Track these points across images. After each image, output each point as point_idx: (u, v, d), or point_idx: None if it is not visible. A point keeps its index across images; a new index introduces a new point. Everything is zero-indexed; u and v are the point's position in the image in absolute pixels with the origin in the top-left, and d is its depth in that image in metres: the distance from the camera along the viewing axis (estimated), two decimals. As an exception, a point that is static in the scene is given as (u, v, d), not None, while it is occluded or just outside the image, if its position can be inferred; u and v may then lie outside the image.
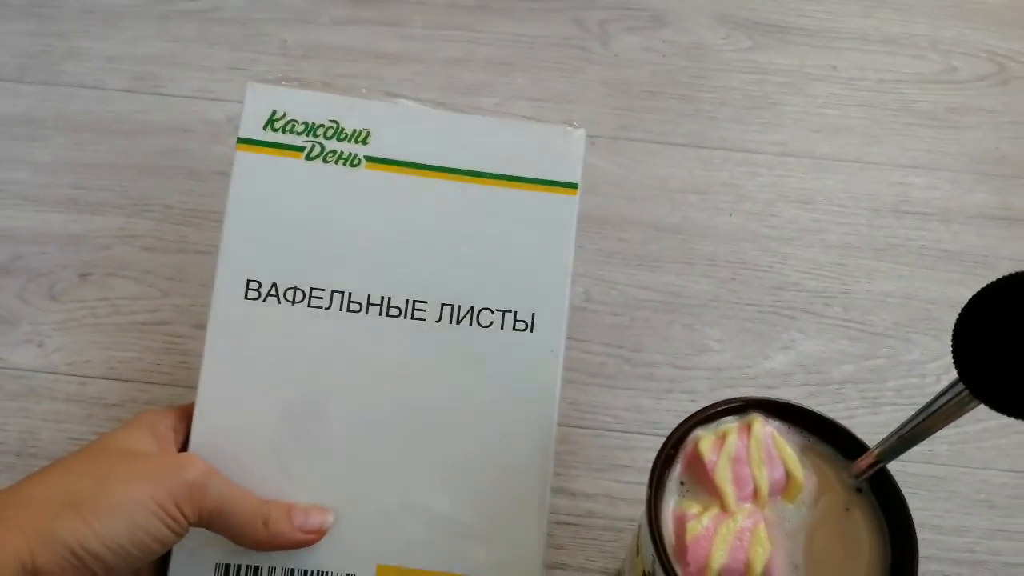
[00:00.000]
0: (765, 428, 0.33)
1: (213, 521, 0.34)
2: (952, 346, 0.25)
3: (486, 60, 0.63)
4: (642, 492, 0.32)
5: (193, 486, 0.33)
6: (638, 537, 0.36)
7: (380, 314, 0.38)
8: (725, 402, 0.33)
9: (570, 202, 0.39)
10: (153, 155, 0.56)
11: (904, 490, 0.31)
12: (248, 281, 0.37)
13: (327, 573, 0.37)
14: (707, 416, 0.33)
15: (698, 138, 0.60)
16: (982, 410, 0.49)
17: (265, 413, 0.37)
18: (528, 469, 0.38)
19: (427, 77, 0.61)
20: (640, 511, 0.33)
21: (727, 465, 0.31)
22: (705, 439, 0.32)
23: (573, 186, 0.39)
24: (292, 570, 0.37)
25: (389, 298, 0.38)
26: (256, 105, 0.38)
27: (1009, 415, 0.24)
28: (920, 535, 0.30)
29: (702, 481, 0.32)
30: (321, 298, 0.38)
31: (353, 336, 0.38)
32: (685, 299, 0.53)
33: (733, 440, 0.32)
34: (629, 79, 0.62)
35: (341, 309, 0.38)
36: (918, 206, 0.58)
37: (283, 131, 0.38)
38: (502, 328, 0.38)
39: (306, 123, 0.39)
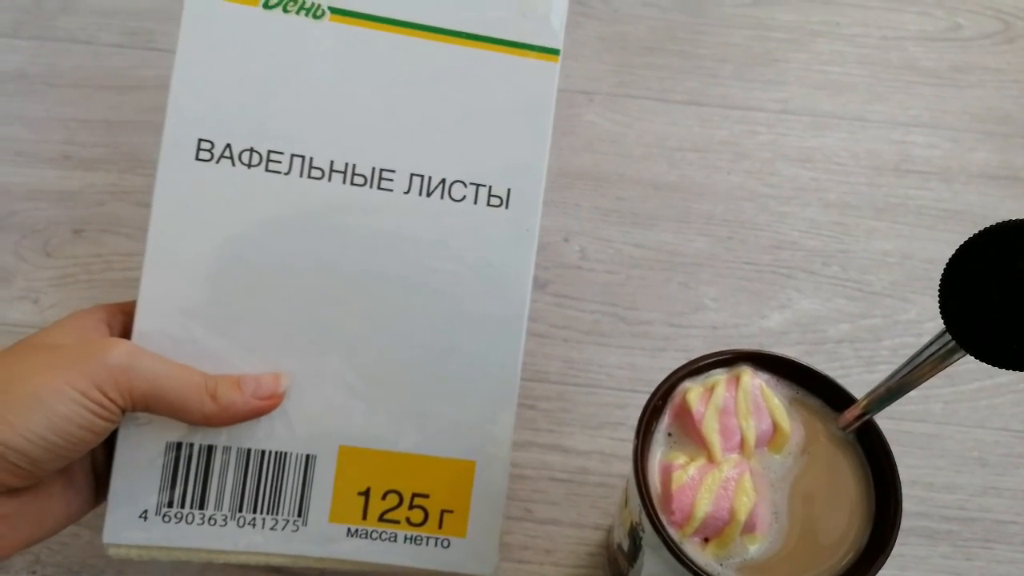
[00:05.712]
0: (753, 380, 0.32)
1: (151, 403, 0.32)
2: (939, 295, 0.25)
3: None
4: (634, 449, 0.32)
5: (116, 369, 0.31)
6: (627, 489, 0.36)
7: (344, 182, 0.35)
8: (714, 354, 0.33)
9: (551, 69, 0.36)
10: (146, 111, 0.55)
11: (897, 448, 0.31)
12: (200, 140, 0.34)
13: (286, 454, 0.35)
14: (696, 368, 0.33)
15: (698, 95, 0.59)
16: (977, 369, 0.49)
17: (218, 286, 0.34)
18: (497, 352, 0.36)
19: None
20: (631, 467, 0.33)
21: (714, 416, 0.31)
22: (693, 390, 0.32)
23: (555, 52, 0.36)
24: (249, 450, 0.35)
25: (354, 165, 0.35)
26: None
27: (993, 364, 0.24)
28: (912, 492, 0.30)
29: (689, 432, 0.32)
30: (280, 162, 0.35)
31: (314, 205, 0.35)
32: (682, 257, 0.53)
33: (721, 392, 0.32)
34: (627, 34, 0.61)
35: (301, 175, 0.35)
36: (919, 165, 0.57)
37: None
38: (475, 203, 0.35)
39: None
